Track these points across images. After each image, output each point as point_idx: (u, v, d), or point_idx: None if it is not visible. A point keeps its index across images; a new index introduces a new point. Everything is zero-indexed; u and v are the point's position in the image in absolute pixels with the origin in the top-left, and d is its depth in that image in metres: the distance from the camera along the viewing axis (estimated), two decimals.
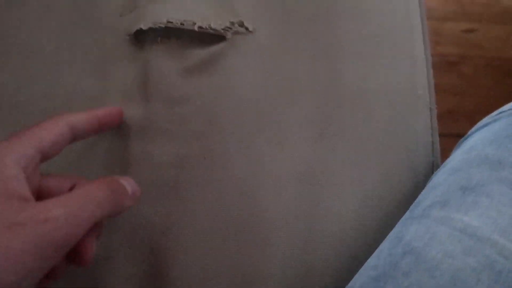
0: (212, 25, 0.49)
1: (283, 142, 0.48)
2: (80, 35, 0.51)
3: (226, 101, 0.48)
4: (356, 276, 0.41)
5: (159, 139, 0.47)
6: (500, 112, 0.45)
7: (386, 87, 0.51)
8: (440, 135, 0.52)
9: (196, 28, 0.49)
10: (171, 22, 0.49)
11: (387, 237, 0.43)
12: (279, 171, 0.47)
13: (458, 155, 0.44)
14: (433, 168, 0.51)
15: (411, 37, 0.53)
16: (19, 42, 0.50)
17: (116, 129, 0.47)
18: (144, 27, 0.49)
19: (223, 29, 0.49)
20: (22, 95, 0.48)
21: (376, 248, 0.43)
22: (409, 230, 0.39)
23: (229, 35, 0.49)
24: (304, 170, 0.48)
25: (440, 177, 0.44)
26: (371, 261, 0.41)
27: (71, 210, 0.32)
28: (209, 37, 0.49)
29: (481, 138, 0.43)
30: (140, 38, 0.50)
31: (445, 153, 0.50)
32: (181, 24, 0.49)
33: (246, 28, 0.50)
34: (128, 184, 0.39)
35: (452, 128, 1.21)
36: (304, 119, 0.49)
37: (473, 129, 0.48)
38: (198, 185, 0.46)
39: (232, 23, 0.50)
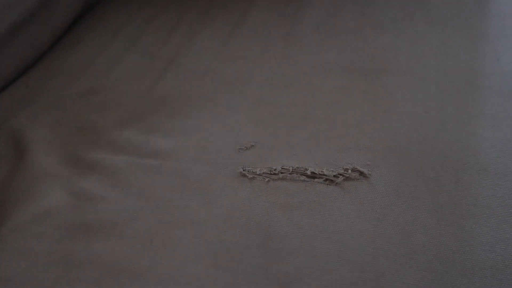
0: (325, 172, 0.50)
1: None
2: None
3: (325, 244, 0.45)
4: None
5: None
6: None
7: None
8: None
9: (309, 173, 0.50)
10: (285, 168, 0.51)
11: None
12: None
13: None
14: None
15: None
16: None
17: None
18: (259, 172, 0.51)
19: (334, 176, 0.50)
20: None
21: None
22: None
23: (339, 180, 0.49)
24: None
25: None
26: None
27: None
28: (321, 181, 0.50)
29: None
30: (249, 172, 0.51)
31: None
32: (293, 170, 0.50)
33: (361, 173, 0.50)
34: None
35: None
36: None
37: None
38: None
39: (346, 170, 0.50)
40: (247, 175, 0.51)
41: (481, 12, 0.74)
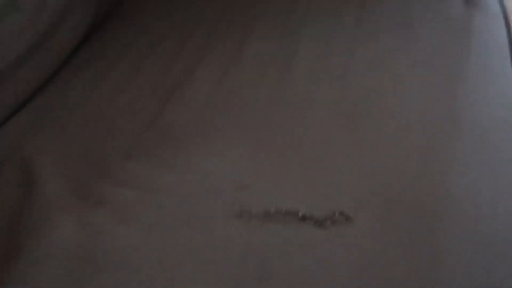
0: (315, 214, 0.55)
1: None
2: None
3: (315, 285, 0.49)
4: None
5: None
6: None
7: None
8: None
9: (300, 216, 0.55)
10: (279, 211, 0.55)
11: None
12: None
13: None
14: None
15: None
16: None
17: None
18: (254, 212, 0.56)
19: (324, 219, 0.54)
20: None
21: None
22: None
23: (328, 225, 0.54)
24: None
25: None
26: None
27: None
28: (311, 224, 0.55)
29: None
30: (246, 212, 0.56)
31: None
32: (286, 212, 0.55)
33: (347, 218, 0.55)
34: None
35: None
36: None
37: None
38: None
39: (334, 213, 0.55)
40: (244, 216, 0.56)
41: (464, 52, 0.79)
